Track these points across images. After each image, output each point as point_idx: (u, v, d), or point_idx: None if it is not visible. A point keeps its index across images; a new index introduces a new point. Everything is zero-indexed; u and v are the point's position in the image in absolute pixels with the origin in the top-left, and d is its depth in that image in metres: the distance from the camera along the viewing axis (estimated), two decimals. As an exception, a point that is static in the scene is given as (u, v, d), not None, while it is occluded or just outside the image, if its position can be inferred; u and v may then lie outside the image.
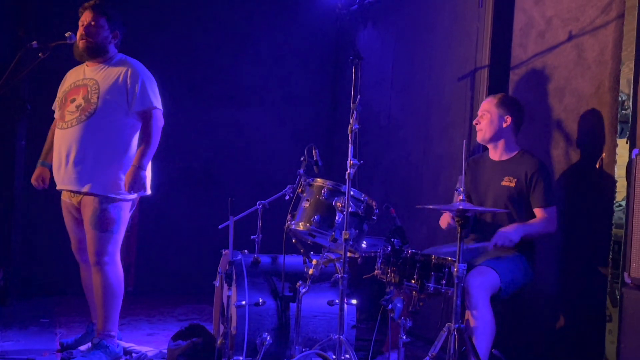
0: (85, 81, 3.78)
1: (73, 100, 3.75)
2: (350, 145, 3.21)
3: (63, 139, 3.72)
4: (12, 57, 4.29)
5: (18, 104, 5.01)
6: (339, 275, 3.22)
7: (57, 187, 3.80)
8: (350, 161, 3.20)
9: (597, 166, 3.49)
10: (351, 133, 3.21)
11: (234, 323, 3.48)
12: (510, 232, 3.36)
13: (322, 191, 3.36)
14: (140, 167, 3.67)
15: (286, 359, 3.49)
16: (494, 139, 3.64)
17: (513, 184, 3.54)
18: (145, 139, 3.74)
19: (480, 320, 3.21)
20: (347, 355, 3.18)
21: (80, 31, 3.75)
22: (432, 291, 3.06)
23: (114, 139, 3.70)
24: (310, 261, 3.44)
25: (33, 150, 5.09)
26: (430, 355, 2.97)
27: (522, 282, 3.47)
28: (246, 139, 6.10)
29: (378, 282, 3.31)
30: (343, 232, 3.16)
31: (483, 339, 3.19)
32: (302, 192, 3.47)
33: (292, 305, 3.49)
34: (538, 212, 3.50)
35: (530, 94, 3.99)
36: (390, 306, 3.11)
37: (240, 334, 3.43)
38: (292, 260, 3.67)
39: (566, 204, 3.64)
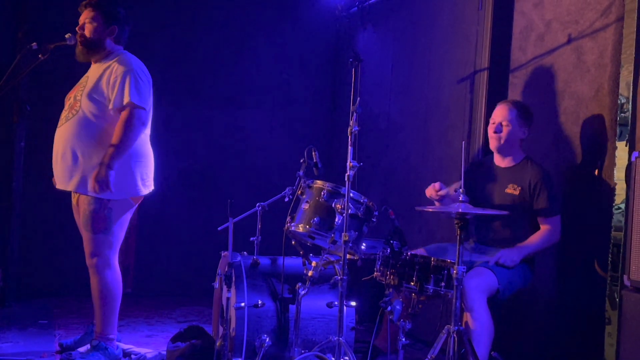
0: (83, 79, 3.79)
1: (69, 99, 3.77)
2: (349, 147, 3.21)
3: (56, 137, 3.73)
4: (11, 58, 4.32)
5: (17, 106, 5.01)
6: (339, 277, 3.22)
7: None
8: (349, 163, 3.20)
9: (596, 174, 3.49)
10: (351, 135, 3.21)
11: (233, 325, 3.48)
12: (514, 253, 3.42)
13: (322, 193, 3.36)
14: (105, 165, 3.51)
15: (285, 361, 3.49)
16: (509, 148, 3.63)
17: (517, 192, 3.54)
18: (115, 137, 3.56)
19: (478, 322, 3.21)
20: (346, 357, 3.18)
21: (78, 30, 3.76)
22: (431, 293, 3.06)
23: (97, 138, 3.60)
24: (310, 263, 3.44)
25: (32, 151, 5.12)
26: (429, 357, 2.96)
27: (520, 284, 3.48)
28: (246, 140, 6.10)
29: (377, 284, 3.31)
30: (342, 234, 3.16)
31: (481, 341, 3.19)
32: (302, 193, 3.47)
33: (292, 307, 3.49)
34: (541, 221, 3.51)
35: (529, 97, 4.00)
36: (389, 308, 3.11)
37: (239, 335, 3.43)
38: (291, 262, 3.67)
39: (565, 207, 3.64)
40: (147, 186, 3.80)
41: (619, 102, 3.27)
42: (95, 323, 3.81)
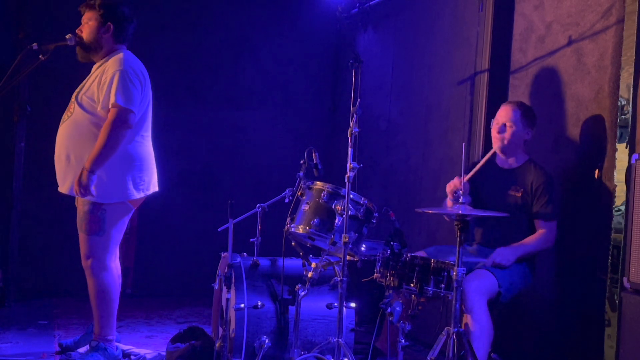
0: (85, 80, 3.78)
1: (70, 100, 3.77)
2: (350, 148, 3.21)
3: (56, 139, 3.71)
4: (12, 59, 4.30)
5: (18, 106, 5.01)
6: (338, 279, 3.22)
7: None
8: (349, 164, 3.20)
9: (596, 175, 3.49)
10: (351, 136, 3.21)
11: (232, 326, 3.47)
12: (509, 252, 3.41)
13: (322, 194, 3.36)
14: (86, 170, 3.44)
15: (285, 362, 3.49)
16: (512, 149, 3.63)
17: (519, 194, 3.54)
18: (99, 140, 3.47)
19: (477, 324, 3.21)
20: (346, 359, 3.18)
21: (77, 32, 3.75)
22: (431, 295, 3.06)
23: (89, 139, 3.54)
24: (310, 264, 3.44)
25: (32, 151, 5.12)
26: (429, 359, 2.96)
27: (521, 286, 3.47)
28: (246, 141, 6.10)
29: (377, 286, 3.31)
30: (342, 235, 3.16)
31: (481, 342, 3.19)
32: (302, 195, 3.47)
33: (291, 308, 3.48)
34: (538, 224, 3.51)
35: (529, 99, 4.00)
36: (389, 310, 3.11)
37: (239, 336, 3.42)
38: (291, 263, 3.67)
39: (565, 209, 3.64)
40: (143, 190, 3.71)
41: (619, 104, 3.27)
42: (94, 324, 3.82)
